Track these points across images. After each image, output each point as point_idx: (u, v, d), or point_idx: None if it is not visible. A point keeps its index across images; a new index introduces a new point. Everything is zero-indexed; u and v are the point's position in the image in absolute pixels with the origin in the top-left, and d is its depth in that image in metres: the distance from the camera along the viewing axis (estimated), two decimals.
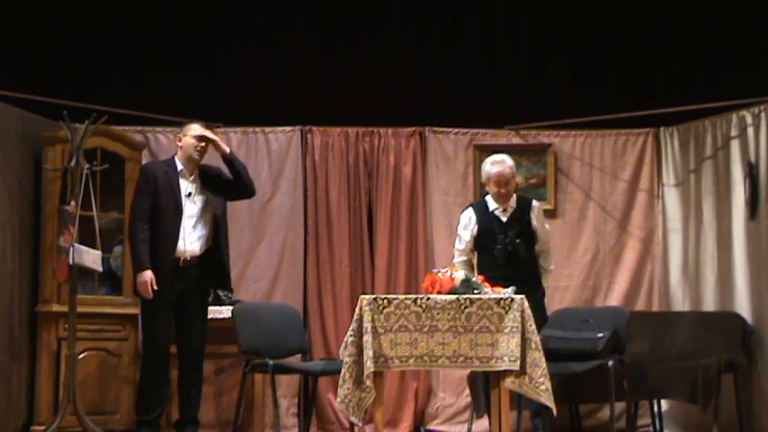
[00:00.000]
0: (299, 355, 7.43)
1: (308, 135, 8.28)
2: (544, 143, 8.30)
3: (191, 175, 7.01)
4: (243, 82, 8.41)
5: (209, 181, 7.05)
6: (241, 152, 8.16)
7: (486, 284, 6.47)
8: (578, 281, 8.13)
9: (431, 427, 8.05)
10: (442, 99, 8.53)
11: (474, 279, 6.45)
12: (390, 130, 8.31)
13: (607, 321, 7.00)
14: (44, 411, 7.34)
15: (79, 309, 7.03)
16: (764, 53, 7.76)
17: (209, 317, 7.32)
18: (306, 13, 8.55)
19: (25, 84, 7.66)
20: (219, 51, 8.48)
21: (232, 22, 8.48)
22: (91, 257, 7.01)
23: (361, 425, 6.45)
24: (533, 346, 6.16)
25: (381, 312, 6.20)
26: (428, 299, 6.24)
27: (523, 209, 7.22)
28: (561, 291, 8.05)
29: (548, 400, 6.15)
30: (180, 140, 7.06)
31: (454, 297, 6.24)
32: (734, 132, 7.60)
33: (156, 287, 6.78)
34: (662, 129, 8.26)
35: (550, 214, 8.06)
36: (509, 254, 7.07)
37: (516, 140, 8.33)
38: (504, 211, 7.21)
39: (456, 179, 8.30)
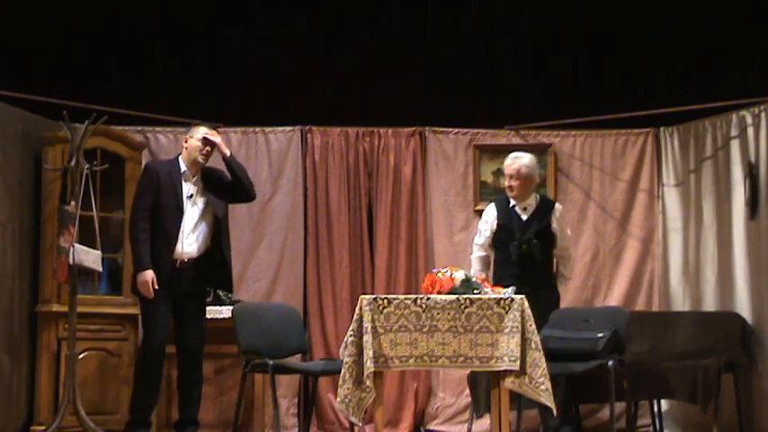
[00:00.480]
0: (299, 355, 7.42)
1: (308, 135, 8.28)
2: (544, 143, 8.30)
3: (193, 177, 7.01)
4: (243, 82, 8.41)
5: (210, 183, 7.05)
6: (241, 152, 8.17)
7: (486, 284, 6.47)
8: (578, 281, 8.11)
9: (431, 427, 8.05)
10: (442, 99, 8.53)
11: (474, 279, 6.45)
12: (390, 130, 8.31)
13: (607, 321, 6.99)
14: (44, 411, 7.34)
15: (79, 309, 7.04)
16: (764, 53, 7.76)
17: (210, 317, 7.33)
18: (306, 13, 8.55)
19: (25, 84, 7.65)
20: (219, 51, 8.48)
21: (232, 22, 8.48)
22: (91, 257, 7.01)
23: (361, 425, 6.45)
24: (533, 346, 6.17)
25: (381, 312, 6.20)
26: (428, 299, 6.25)
27: (545, 210, 7.25)
28: (561, 291, 8.03)
29: (548, 400, 6.15)
30: (186, 141, 7.06)
31: (454, 297, 6.24)
32: (734, 132, 7.60)
33: (156, 286, 6.78)
34: (662, 129, 8.26)
35: None
36: (524, 253, 7.10)
37: (516, 140, 8.33)
38: (525, 209, 7.23)
39: (456, 179, 8.30)
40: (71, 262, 6.89)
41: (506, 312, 6.19)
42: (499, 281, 7.06)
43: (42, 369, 7.39)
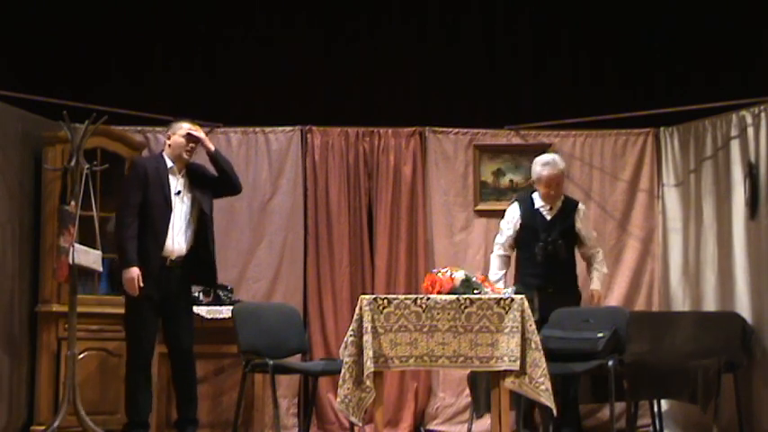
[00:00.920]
0: (299, 355, 7.43)
1: (308, 135, 8.28)
2: (544, 143, 8.30)
3: (180, 173, 6.97)
4: (243, 82, 8.41)
5: (196, 179, 7.00)
6: (241, 152, 8.18)
7: (487, 284, 6.47)
8: (578, 281, 8.09)
9: (431, 427, 8.05)
10: (442, 99, 8.53)
11: (474, 279, 6.45)
12: (390, 130, 8.31)
13: (607, 321, 6.99)
14: (44, 411, 7.34)
15: (79, 309, 7.04)
16: (764, 53, 7.76)
17: (210, 317, 7.33)
18: (306, 13, 8.55)
19: (25, 84, 7.65)
20: (219, 51, 8.48)
21: (232, 22, 8.48)
22: (91, 257, 7.01)
23: (361, 425, 6.44)
24: (533, 346, 6.17)
25: (381, 312, 6.20)
26: (428, 299, 6.24)
27: (569, 210, 7.28)
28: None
29: (548, 400, 6.15)
30: (169, 138, 7.00)
31: (454, 297, 6.24)
32: (734, 132, 7.60)
33: (142, 284, 6.74)
34: (662, 129, 8.26)
35: None
36: (548, 254, 7.11)
37: (516, 140, 8.34)
38: (550, 209, 7.24)
39: (456, 179, 8.30)
40: (71, 262, 6.89)
41: (506, 312, 6.19)
42: (522, 280, 7.10)
43: (42, 369, 7.39)
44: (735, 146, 7.58)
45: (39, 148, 7.57)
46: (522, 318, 6.17)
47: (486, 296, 6.29)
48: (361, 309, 6.20)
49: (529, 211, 7.27)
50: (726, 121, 7.67)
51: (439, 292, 6.32)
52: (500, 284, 7.12)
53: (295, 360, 7.36)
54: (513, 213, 7.36)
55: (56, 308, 7.38)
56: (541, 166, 7.26)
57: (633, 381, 7.06)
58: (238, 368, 7.21)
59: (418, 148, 8.30)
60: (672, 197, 8.17)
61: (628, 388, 7.00)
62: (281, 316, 7.35)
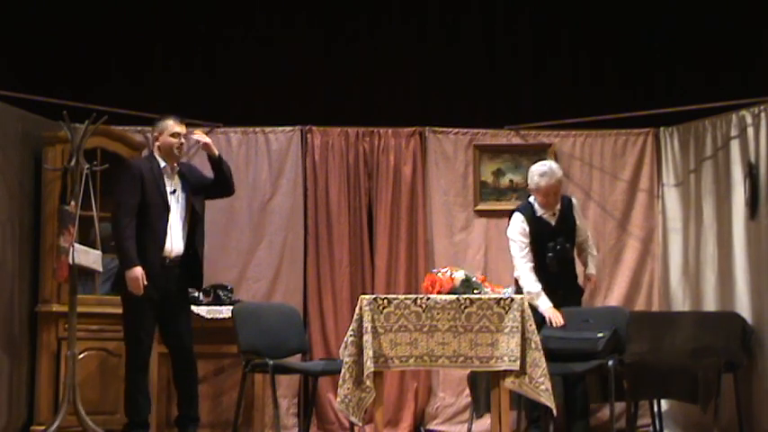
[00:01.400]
0: (299, 355, 7.43)
1: (308, 135, 8.28)
2: (544, 143, 8.30)
3: (172, 172, 6.97)
4: (243, 82, 8.41)
5: (188, 179, 6.99)
6: (241, 152, 8.18)
7: (487, 284, 6.47)
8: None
9: (431, 427, 8.05)
10: (442, 99, 8.53)
11: (474, 279, 6.46)
12: (390, 130, 8.31)
13: (607, 321, 7.00)
14: (44, 411, 7.34)
15: (79, 309, 7.04)
16: (764, 53, 7.76)
17: (210, 317, 7.33)
18: (306, 13, 8.55)
19: (25, 84, 7.65)
20: (219, 51, 8.48)
21: (232, 22, 8.48)
22: (91, 257, 7.01)
23: (361, 425, 6.45)
24: (533, 346, 6.17)
25: (381, 312, 6.20)
26: (428, 299, 6.25)
27: (567, 210, 7.29)
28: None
29: (548, 400, 6.16)
30: (157, 140, 6.97)
31: (454, 297, 6.25)
32: (734, 132, 7.60)
33: (146, 282, 6.73)
34: (662, 129, 8.26)
35: None
36: (560, 260, 7.11)
37: (516, 140, 8.34)
38: (552, 215, 7.23)
39: (456, 179, 8.30)
40: (71, 262, 6.89)
41: (506, 312, 6.20)
42: None
43: (42, 369, 7.39)
44: (735, 146, 7.58)
45: (39, 148, 7.57)
46: (522, 318, 6.17)
47: (486, 296, 6.29)
48: (361, 309, 6.21)
49: (533, 220, 7.23)
50: (726, 121, 7.67)
51: (439, 292, 6.33)
52: (544, 297, 7.04)
53: (295, 360, 7.37)
54: (521, 224, 7.23)
55: (56, 308, 7.38)
56: (539, 176, 7.19)
57: (633, 381, 7.06)
58: (238, 368, 7.22)
59: (418, 148, 8.30)
60: (672, 197, 8.17)
61: (628, 388, 7.00)
62: (281, 316, 7.35)
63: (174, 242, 6.87)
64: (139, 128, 8.09)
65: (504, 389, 6.21)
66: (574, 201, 7.43)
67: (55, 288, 7.39)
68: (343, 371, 6.18)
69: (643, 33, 8.43)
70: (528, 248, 7.19)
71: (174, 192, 6.91)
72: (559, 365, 6.68)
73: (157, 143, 6.98)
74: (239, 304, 7.39)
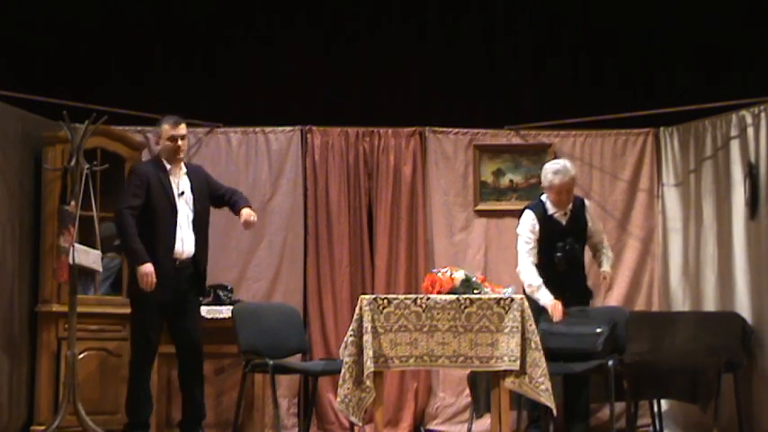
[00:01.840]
0: (299, 355, 7.43)
1: (308, 135, 8.28)
2: (544, 143, 8.30)
3: (179, 173, 6.98)
4: (243, 82, 8.41)
5: (196, 182, 7.01)
6: (241, 152, 8.18)
7: (487, 284, 6.47)
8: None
9: (431, 427, 8.05)
10: (442, 99, 8.53)
11: (474, 279, 6.45)
12: (390, 130, 8.31)
13: (607, 321, 6.98)
14: (44, 411, 7.34)
15: (79, 309, 7.04)
16: (764, 53, 7.76)
17: (210, 317, 7.33)
18: (306, 13, 8.55)
19: (25, 84, 7.66)
20: (219, 51, 8.48)
21: (232, 22, 8.48)
22: (91, 257, 7.01)
23: (361, 425, 6.45)
24: (533, 345, 6.17)
25: (381, 312, 6.20)
26: (428, 299, 6.25)
27: (579, 210, 7.25)
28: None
29: (548, 400, 6.16)
30: (158, 143, 7.03)
31: (454, 297, 6.25)
32: (734, 132, 7.60)
33: (155, 279, 6.72)
34: (662, 129, 8.26)
35: None
36: (569, 260, 7.09)
37: (516, 140, 8.34)
38: (564, 215, 7.20)
39: (456, 179, 8.30)
40: (71, 262, 6.89)
41: (506, 312, 6.20)
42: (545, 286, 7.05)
43: (42, 369, 7.39)
44: (735, 146, 7.58)
45: (39, 148, 7.57)
46: (522, 318, 6.17)
47: (486, 296, 6.29)
48: (361, 309, 6.21)
49: (544, 219, 7.18)
50: (726, 121, 7.67)
51: (439, 292, 6.33)
52: (544, 290, 7.03)
53: (295, 360, 7.37)
54: (531, 221, 7.18)
55: (56, 308, 7.38)
56: (553, 174, 7.15)
57: (633, 381, 7.06)
58: (238, 368, 7.22)
59: (418, 148, 8.30)
60: (672, 197, 8.17)
61: (628, 388, 7.00)
62: (281, 316, 7.36)
63: (185, 243, 6.88)
64: (139, 128, 8.10)
65: (504, 389, 6.21)
66: (587, 202, 7.38)
67: (55, 288, 7.39)
68: (343, 371, 6.18)
69: (643, 33, 8.43)
70: (533, 245, 7.15)
71: (183, 194, 6.92)
72: (559, 365, 6.68)
73: (158, 147, 7.03)
74: (239, 304, 7.39)
